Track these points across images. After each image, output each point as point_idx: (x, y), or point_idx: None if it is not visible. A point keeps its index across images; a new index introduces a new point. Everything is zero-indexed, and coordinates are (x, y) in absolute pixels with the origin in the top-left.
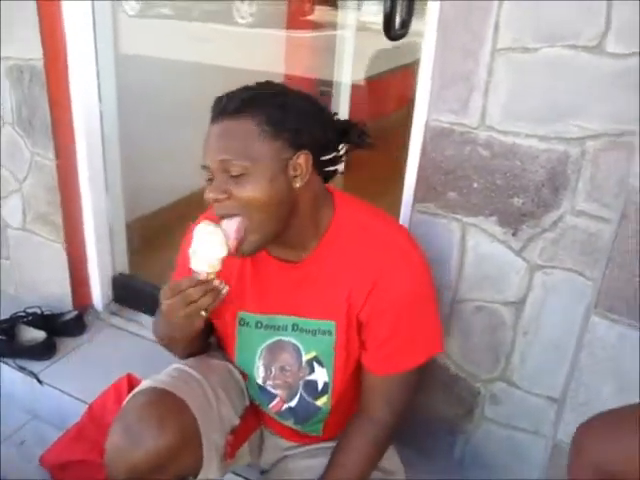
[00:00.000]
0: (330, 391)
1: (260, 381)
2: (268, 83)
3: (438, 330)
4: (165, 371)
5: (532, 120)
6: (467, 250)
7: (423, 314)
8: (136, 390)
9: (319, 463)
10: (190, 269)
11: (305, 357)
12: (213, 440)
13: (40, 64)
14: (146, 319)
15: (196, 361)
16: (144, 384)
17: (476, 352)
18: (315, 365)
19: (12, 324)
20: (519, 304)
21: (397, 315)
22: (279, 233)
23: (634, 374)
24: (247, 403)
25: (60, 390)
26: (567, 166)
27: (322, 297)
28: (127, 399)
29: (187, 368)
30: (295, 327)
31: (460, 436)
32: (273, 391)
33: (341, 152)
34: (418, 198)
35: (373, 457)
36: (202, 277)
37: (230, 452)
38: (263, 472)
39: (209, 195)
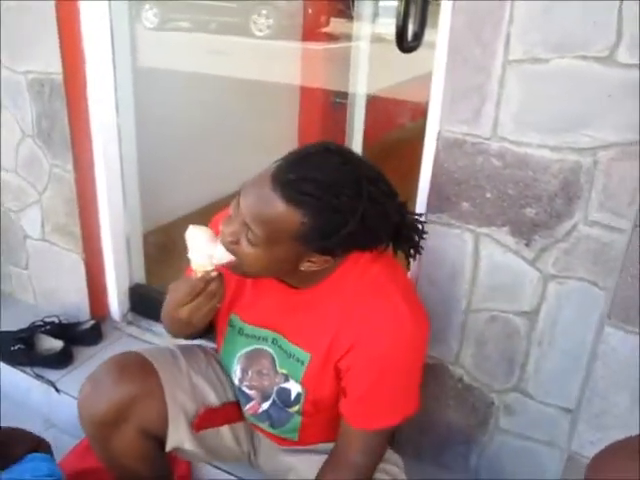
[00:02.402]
0: (302, 402)
1: (236, 382)
2: (351, 177)
3: (416, 393)
4: None
5: (544, 130)
6: (480, 260)
7: (403, 379)
8: None
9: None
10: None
11: (279, 369)
12: (180, 401)
13: (60, 78)
14: (162, 329)
15: (184, 344)
16: None
17: (490, 362)
18: (289, 378)
19: (30, 333)
20: (533, 314)
21: (376, 376)
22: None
23: None
24: (233, 398)
25: (77, 398)
26: (579, 176)
27: (308, 328)
28: None
29: (167, 344)
30: (275, 341)
31: (475, 447)
32: (248, 392)
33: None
34: (431, 208)
35: None
36: (200, 275)
37: (198, 424)
38: None
39: (223, 228)
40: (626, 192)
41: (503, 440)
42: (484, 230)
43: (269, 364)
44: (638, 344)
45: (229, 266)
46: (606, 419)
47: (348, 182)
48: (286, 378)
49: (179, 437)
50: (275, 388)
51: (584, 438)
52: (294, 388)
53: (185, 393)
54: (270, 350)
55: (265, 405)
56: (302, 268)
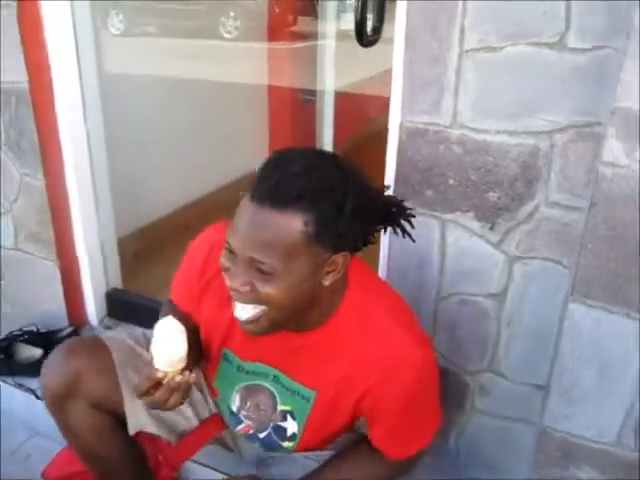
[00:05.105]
0: (297, 441)
1: (234, 409)
2: (330, 163)
3: (438, 409)
4: None
5: (501, 116)
6: (447, 246)
7: (427, 403)
8: None
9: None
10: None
11: (280, 407)
12: (135, 383)
13: (26, 86)
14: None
15: None
16: None
17: (463, 345)
18: (288, 416)
19: (9, 343)
20: (501, 296)
21: (401, 409)
22: (292, 320)
23: (613, 357)
24: (211, 412)
25: None
26: (538, 159)
27: (311, 367)
28: None
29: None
30: (275, 379)
31: (453, 430)
32: (244, 420)
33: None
34: (397, 197)
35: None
36: (160, 376)
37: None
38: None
39: (230, 284)
40: (582, 172)
41: (480, 421)
42: (449, 216)
43: (268, 401)
44: (600, 318)
45: (254, 319)
46: (575, 393)
47: (325, 164)
48: (284, 417)
49: (139, 421)
50: (272, 424)
51: (556, 412)
52: (291, 427)
53: (139, 375)
54: (270, 387)
55: (260, 435)
56: (326, 282)
